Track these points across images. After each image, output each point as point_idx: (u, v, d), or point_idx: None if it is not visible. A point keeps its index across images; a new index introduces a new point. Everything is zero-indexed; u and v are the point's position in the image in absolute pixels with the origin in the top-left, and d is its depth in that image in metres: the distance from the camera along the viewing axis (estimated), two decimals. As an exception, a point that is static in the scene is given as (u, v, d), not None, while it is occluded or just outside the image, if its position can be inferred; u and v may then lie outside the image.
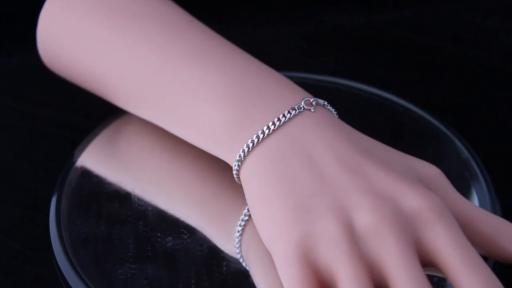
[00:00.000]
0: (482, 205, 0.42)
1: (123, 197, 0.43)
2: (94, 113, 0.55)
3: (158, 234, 0.41)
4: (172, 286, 0.38)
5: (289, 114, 0.37)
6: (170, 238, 0.40)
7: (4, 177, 0.50)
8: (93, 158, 0.46)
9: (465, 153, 0.45)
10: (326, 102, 0.39)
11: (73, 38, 0.46)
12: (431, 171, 0.37)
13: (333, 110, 0.40)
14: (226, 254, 0.39)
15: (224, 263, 0.39)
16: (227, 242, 0.40)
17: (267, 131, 0.37)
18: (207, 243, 0.40)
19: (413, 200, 0.34)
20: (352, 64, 0.61)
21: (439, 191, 0.36)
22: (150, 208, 0.42)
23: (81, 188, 0.44)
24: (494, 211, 0.41)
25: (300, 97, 0.39)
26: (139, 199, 0.43)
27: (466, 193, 0.43)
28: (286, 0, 0.66)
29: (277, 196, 0.35)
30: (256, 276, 0.38)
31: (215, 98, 0.39)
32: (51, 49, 0.47)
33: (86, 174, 0.45)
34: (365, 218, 0.33)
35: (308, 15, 0.67)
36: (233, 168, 0.38)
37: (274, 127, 0.37)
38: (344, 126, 0.38)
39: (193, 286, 0.38)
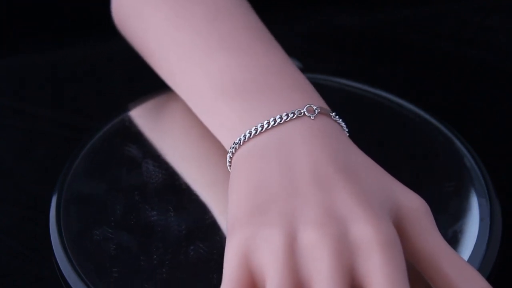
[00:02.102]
0: (481, 205, 0.42)
1: (135, 165, 0.45)
2: (94, 113, 0.55)
3: (146, 207, 0.42)
4: (135, 257, 0.39)
5: (286, 117, 0.37)
6: (155, 212, 0.41)
7: (4, 177, 0.50)
8: (141, 118, 0.49)
9: (465, 153, 0.45)
10: (334, 113, 0.39)
11: (134, 15, 0.48)
12: (413, 204, 0.35)
13: (340, 121, 0.39)
14: (218, 235, 0.41)
15: (192, 247, 0.39)
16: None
17: (260, 129, 0.37)
18: (186, 225, 0.41)
19: (362, 227, 0.33)
20: (352, 64, 0.61)
21: (413, 225, 0.35)
22: (153, 181, 0.43)
23: (100, 148, 0.46)
24: (494, 211, 0.41)
25: (306, 102, 0.39)
26: (147, 170, 0.44)
27: (465, 194, 0.43)
28: (286, 0, 0.67)
29: (244, 193, 0.36)
30: None
31: (226, 91, 0.40)
32: (121, 18, 0.50)
33: (116, 134, 0.47)
34: (308, 234, 0.33)
35: (308, 15, 0.67)
36: (227, 159, 0.39)
37: (268, 126, 0.37)
38: (339, 140, 0.37)
39: (155, 262, 0.39)
